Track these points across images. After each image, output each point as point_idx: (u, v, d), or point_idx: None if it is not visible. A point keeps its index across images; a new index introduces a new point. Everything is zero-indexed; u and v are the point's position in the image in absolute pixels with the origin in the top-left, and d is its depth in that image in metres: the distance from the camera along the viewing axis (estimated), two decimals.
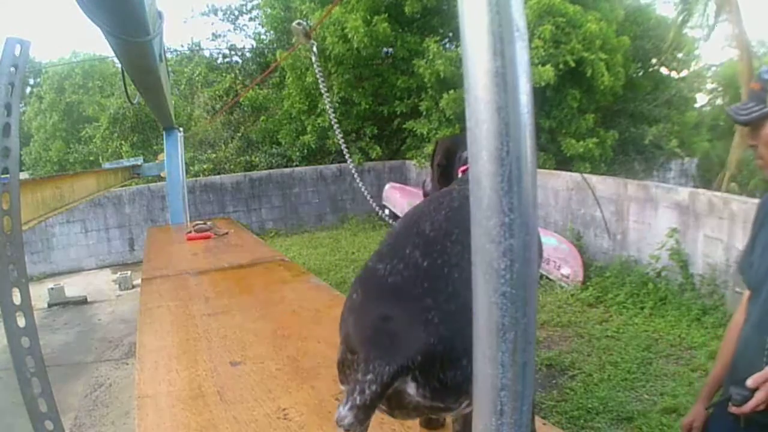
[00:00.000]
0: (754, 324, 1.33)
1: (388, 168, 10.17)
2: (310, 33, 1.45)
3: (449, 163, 1.38)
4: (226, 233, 3.83)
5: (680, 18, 8.91)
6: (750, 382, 1.13)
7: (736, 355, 1.39)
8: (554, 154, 7.86)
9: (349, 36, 8.39)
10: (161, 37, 2.99)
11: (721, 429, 1.44)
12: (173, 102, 6.35)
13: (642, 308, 4.65)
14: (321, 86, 1.48)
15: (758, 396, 1.11)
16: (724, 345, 1.51)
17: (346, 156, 1.55)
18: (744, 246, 1.51)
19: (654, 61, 10.02)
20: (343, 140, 1.53)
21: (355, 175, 1.58)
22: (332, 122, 1.49)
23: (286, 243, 8.65)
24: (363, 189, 1.60)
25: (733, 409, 1.17)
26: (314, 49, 1.46)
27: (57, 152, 15.52)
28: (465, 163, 1.30)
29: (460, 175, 1.33)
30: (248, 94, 10.27)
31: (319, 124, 9.51)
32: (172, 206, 5.50)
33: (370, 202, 1.60)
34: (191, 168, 10.28)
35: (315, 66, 1.46)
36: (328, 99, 1.52)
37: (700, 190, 4.94)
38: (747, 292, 1.44)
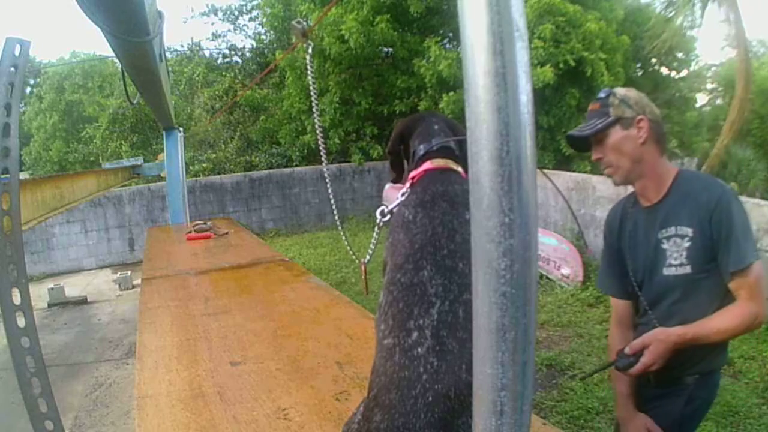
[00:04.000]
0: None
1: (388, 168, 10.16)
2: (307, 33, 1.43)
3: (404, 152, 1.15)
4: (226, 233, 3.82)
5: (667, 11, 8.92)
6: (628, 350, 1.29)
7: None
8: (554, 153, 7.86)
9: (346, 36, 8.39)
10: (161, 37, 2.99)
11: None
12: (173, 102, 6.34)
13: None
14: (311, 88, 1.46)
15: (643, 360, 1.26)
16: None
17: (323, 159, 1.52)
18: (602, 265, 1.57)
19: (654, 61, 10.02)
20: (323, 143, 1.50)
21: (327, 179, 1.57)
22: (316, 125, 1.47)
23: (286, 243, 8.65)
24: (331, 197, 1.58)
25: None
26: (309, 50, 1.44)
27: (57, 152, 15.57)
28: (418, 160, 1.05)
29: (409, 182, 1.03)
30: (247, 93, 10.25)
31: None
32: (172, 206, 5.50)
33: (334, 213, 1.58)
34: (191, 168, 10.29)
35: (309, 67, 1.44)
36: (316, 102, 1.50)
37: None
38: (619, 301, 1.52)
